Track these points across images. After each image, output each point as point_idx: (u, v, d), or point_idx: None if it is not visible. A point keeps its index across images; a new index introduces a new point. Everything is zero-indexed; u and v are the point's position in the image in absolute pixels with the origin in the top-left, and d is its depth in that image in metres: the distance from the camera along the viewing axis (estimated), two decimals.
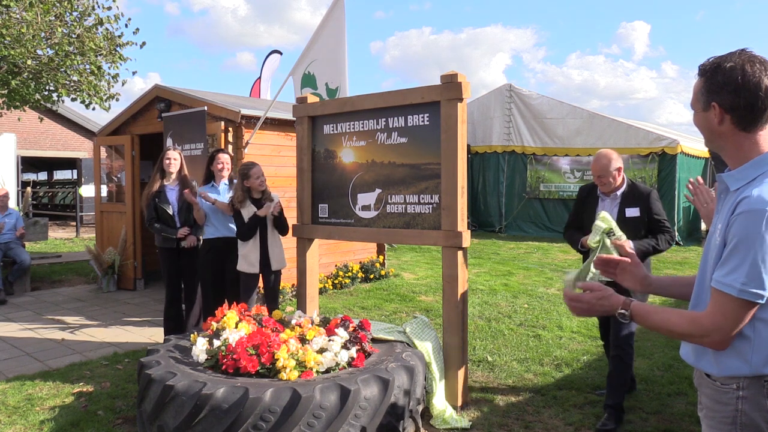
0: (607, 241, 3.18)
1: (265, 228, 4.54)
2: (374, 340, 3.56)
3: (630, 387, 3.83)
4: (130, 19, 8.82)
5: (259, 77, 14.22)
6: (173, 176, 4.93)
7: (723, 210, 1.56)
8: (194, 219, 4.91)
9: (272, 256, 4.55)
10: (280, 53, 14.52)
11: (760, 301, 1.42)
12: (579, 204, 3.81)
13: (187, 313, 5.03)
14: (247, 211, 4.48)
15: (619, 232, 3.24)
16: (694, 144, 12.62)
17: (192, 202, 4.75)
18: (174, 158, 4.87)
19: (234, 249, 4.68)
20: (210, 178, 5.00)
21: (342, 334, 3.33)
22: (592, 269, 3.22)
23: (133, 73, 14.64)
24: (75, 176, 22.01)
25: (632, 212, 3.54)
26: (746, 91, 1.47)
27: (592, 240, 3.21)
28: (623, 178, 3.60)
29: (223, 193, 4.95)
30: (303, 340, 3.33)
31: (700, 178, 2.02)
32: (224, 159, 4.99)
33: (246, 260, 4.54)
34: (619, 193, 3.59)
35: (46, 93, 8.54)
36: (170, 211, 4.84)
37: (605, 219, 3.29)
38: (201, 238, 5.00)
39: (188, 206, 4.87)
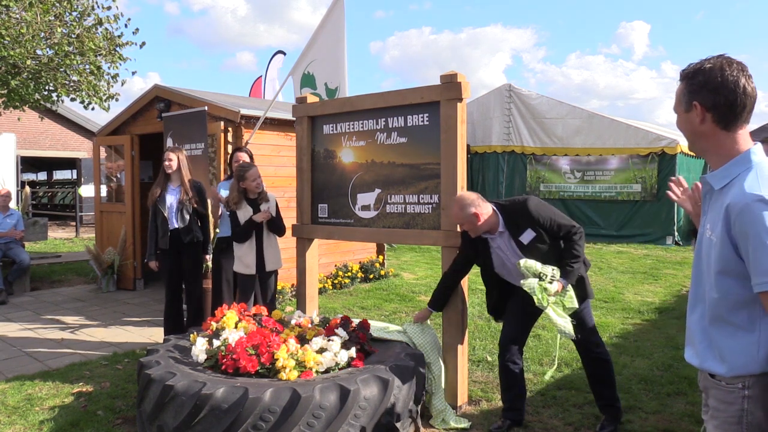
0: (547, 285, 3.04)
1: (261, 230, 4.54)
2: (374, 340, 3.56)
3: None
4: (129, 19, 8.82)
5: (260, 77, 14.23)
6: (174, 178, 4.95)
7: (711, 210, 1.60)
8: (197, 219, 4.95)
9: (267, 258, 4.54)
10: (284, 53, 14.46)
11: None
12: (466, 245, 3.46)
13: (188, 312, 5.05)
14: (243, 212, 4.49)
15: (549, 272, 3.07)
16: None
17: (219, 199, 5.00)
18: (171, 159, 4.88)
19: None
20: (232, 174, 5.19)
21: (342, 334, 3.33)
22: (559, 325, 3.18)
23: (133, 73, 14.62)
24: (75, 176, 22.00)
25: (527, 236, 3.19)
26: (726, 90, 1.52)
27: (537, 299, 3.04)
28: (492, 212, 3.23)
29: None
30: (302, 340, 3.33)
31: (681, 178, 2.03)
32: (242, 158, 5.11)
33: (242, 262, 4.53)
34: (500, 227, 3.24)
35: (46, 93, 8.54)
36: (165, 213, 4.85)
37: (527, 268, 3.08)
38: (210, 237, 5.08)
39: (188, 208, 4.88)
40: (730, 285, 1.51)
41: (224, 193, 4.99)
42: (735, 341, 1.53)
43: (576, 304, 3.18)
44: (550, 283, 3.07)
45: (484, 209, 3.21)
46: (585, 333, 3.34)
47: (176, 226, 4.84)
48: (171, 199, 4.88)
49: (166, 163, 4.87)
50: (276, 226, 4.57)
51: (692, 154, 12.39)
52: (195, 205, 4.89)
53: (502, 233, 3.26)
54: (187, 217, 4.87)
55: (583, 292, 3.31)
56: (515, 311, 3.41)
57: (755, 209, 1.43)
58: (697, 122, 1.58)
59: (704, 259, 1.61)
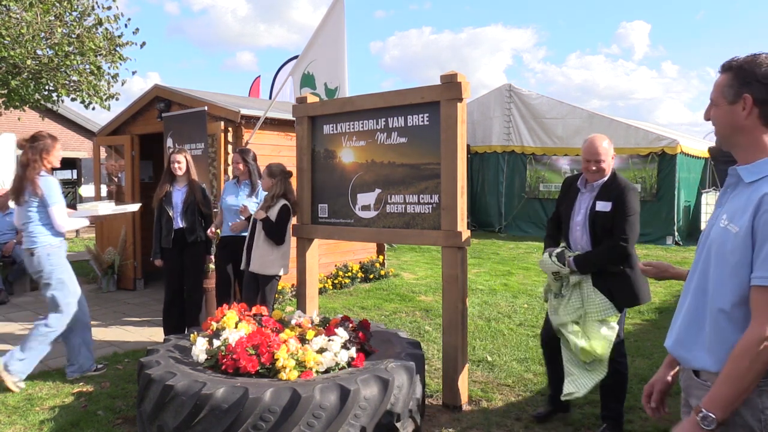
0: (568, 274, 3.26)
1: (255, 228, 4.57)
2: (374, 339, 3.56)
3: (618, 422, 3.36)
4: (129, 19, 8.84)
5: (258, 76, 14.24)
6: (181, 179, 5.00)
7: (733, 201, 1.58)
8: (201, 219, 4.97)
9: (252, 257, 4.52)
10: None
11: None
12: (560, 196, 3.57)
13: (187, 312, 5.06)
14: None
15: (564, 270, 3.26)
16: (693, 144, 12.61)
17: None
18: (179, 161, 4.95)
19: (242, 248, 4.73)
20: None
21: (342, 334, 3.33)
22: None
23: (133, 73, 14.71)
24: (75, 176, 22.00)
25: (602, 206, 3.22)
26: None
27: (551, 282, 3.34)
28: (610, 171, 3.33)
29: (242, 193, 5.02)
30: (303, 340, 3.33)
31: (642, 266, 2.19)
32: (234, 158, 5.13)
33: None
34: (596, 183, 3.30)
35: (46, 93, 8.54)
36: (171, 213, 4.88)
37: (545, 263, 3.33)
38: (210, 237, 5.09)
39: (193, 208, 4.92)
40: (742, 278, 1.50)
41: (228, 197, 5.05)
42: (727, 336, 1.53)
43: (602, 351, 3.15)
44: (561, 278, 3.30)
45: (610, 160, 3.30)
46: (615, 342, 3.26)
47: (181, 225, 4.88)
48: (177, 199, 4.92)
49: (175, 165, 4.92)
50: (269, 230, 4.45)
51: (692, 153, 12.39)
52: (200, 206, 4.94)
53: (593, 189, 3.31)
54: (192, 217, 4.89)
55: (630, 297, 3.25)
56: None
57: None
58: (743, 115, 1.56)
59: (714, 249, 1.58)
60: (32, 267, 4.14)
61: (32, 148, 4.29)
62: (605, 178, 3.30)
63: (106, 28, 8.37)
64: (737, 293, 1.51)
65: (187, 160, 4.98)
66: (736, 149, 1.62)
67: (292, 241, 4.68)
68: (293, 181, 4.67)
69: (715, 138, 1.68)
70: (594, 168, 3.27)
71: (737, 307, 1.52)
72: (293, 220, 4.65)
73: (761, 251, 1.45)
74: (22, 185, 4.15)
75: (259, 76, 14.35)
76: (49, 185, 4.17)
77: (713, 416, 1.47)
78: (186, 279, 5.00)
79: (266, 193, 4.62)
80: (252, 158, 5.09)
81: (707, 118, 1.66)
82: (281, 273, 4.55)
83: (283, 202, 4.46)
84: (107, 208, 4.54)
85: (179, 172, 4.92)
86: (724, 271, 1.54)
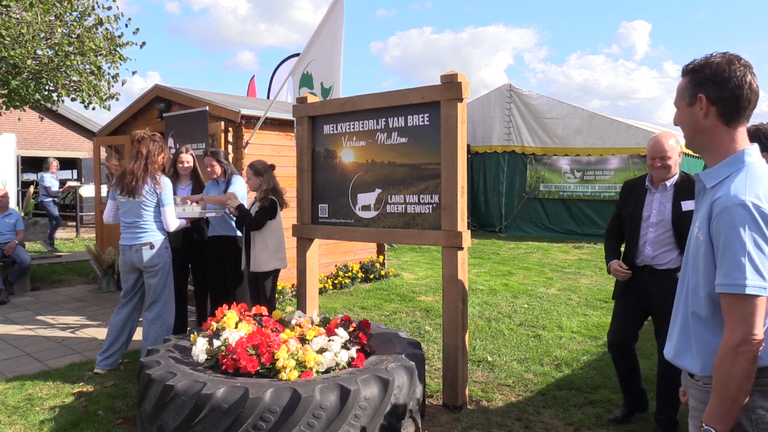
0: None
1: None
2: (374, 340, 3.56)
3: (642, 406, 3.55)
4: (130, 19, 8.82)
5: (253, 76, 14.26)
6: (184, 178, 5.01)
7: (702, 208, 1.61)
8: (206, 219, 4.98)
9: (252, 255, 4.54)
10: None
11: (764, 294, 1.43)
12: (621, 202, 3.51)
13: (198, 310, 5.12)
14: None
15: None
16: None
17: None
18: (187, 161, 4.99)
19: (231, 248, 4.72)
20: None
21: (342, 334, 3.33)
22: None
23: (133, 73, 14.76)
24: (75, 176, 22.00)
25: (689, 205, 3.13)
26: (732, 84, 1.53)
27: None
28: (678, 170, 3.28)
29: (222, 191, 5.03)
30: (303, 340, 3.33)
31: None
32: (207, 161, 5.03)
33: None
34: (669, 183, 3.24)
35: (46, 93, 8.53)
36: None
37: None
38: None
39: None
40: (712, 285, 1.52)
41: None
42: (710, 341, 1.55)
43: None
44: None
45: (678, 159, 3.24)
46: None
47: (187, 225, 4.89)
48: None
49: (185, 164, 4.95)
50: (245, 218, 4.53)
51: (692, 153, 12.39)
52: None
53: (665, 189, 3.25)
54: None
55: None
56: (627, 309, 3.44)
57: (734, 213, 1.45)
58: (701, 116, 1.58)
59: (692, 257, 1.63)
60: (149, 260, 4.33)
61: (153, 142, 4.36)
62: (675, 178, 3.25)
63: (107, 28, 8.35)
64: (710, 299, 1.54)
65: (193, 159, 5.02)
66: (703, 152, 1.64)
67: (293, 241, 4.68)
68: (293, 181, 4.67)
69: (684, 141, 1.70)
70: (659, 164, 3.23)
71: (712, 313, 1.54)
72: (281, 215, 4.68)
73: (720, 258, 1.48)
74: (141, 179, 4.24)
75: (254, 76, 14.37)
76: (167, 185, 4.37)
77: (713, 430, 1.48)
78: (196, 278, 5.07)
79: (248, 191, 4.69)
80: (223, 157, 5.05)
81: (675, 122, 1.69)
82: (279, 267, 4.57)
83: (271, 197, 4.53)
84: (195, 211, 4.74)
85: (186, 171, 4.96)
86: (698, 278, 1.57)
